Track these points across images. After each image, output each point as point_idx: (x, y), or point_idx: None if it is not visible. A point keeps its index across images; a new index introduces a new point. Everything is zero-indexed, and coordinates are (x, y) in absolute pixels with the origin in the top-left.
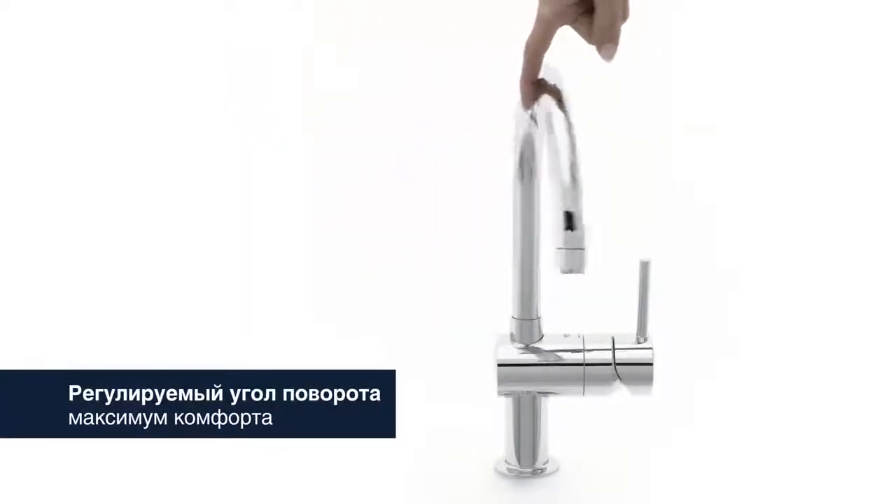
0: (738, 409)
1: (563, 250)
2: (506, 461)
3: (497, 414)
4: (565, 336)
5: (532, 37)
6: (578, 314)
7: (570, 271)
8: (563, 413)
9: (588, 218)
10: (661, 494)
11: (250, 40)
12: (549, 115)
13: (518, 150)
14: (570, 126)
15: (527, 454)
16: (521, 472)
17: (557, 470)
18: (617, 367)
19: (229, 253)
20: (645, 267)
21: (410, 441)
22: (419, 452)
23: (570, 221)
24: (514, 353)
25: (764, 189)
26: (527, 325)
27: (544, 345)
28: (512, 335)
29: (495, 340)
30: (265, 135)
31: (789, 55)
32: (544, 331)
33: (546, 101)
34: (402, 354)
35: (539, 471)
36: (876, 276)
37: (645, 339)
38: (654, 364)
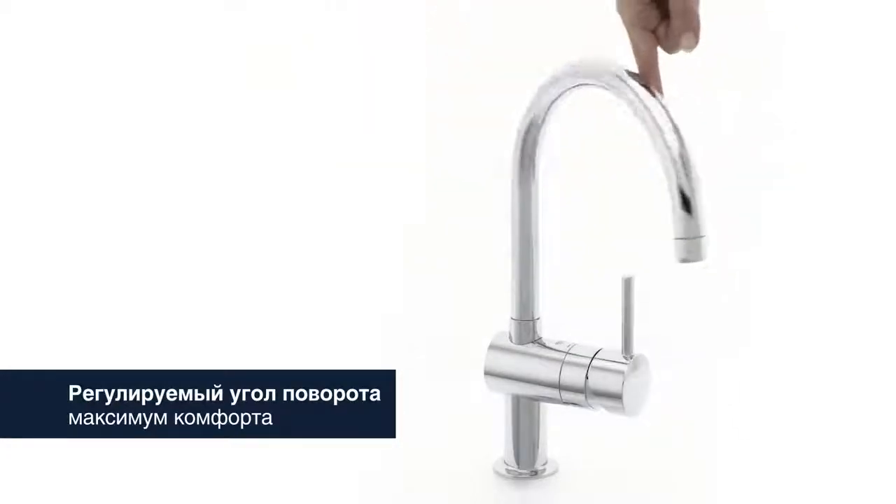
0: (737, 409)
1: (682, 240)
2: (505, 462)
3: (497, 414)
4: (557, 342)
5: (631, 48)
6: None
7: (687, 261)
8: (562, 414)
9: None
10: (660, 495)
11: (249, 41)
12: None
13: (520, 141)
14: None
15: (526, 455)
16: (519, 473)
17: (556, 471)
18: (587, 383)
19: (229, 253)
20: (628, 283)
21: (410, 441)
22: (419, 452)
23: (687, 206)
24: (495, 358)
25: (767, 190)
26: (524, 325)
27: (529, 349)
28: (510, 335)
29: (490, 341)
30: (265, 135)
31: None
32: (545, 334)
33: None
34: (402, 354)
35: (538, 472)
36: (875, 275)
37: (630, 357)
38: (624, 389)
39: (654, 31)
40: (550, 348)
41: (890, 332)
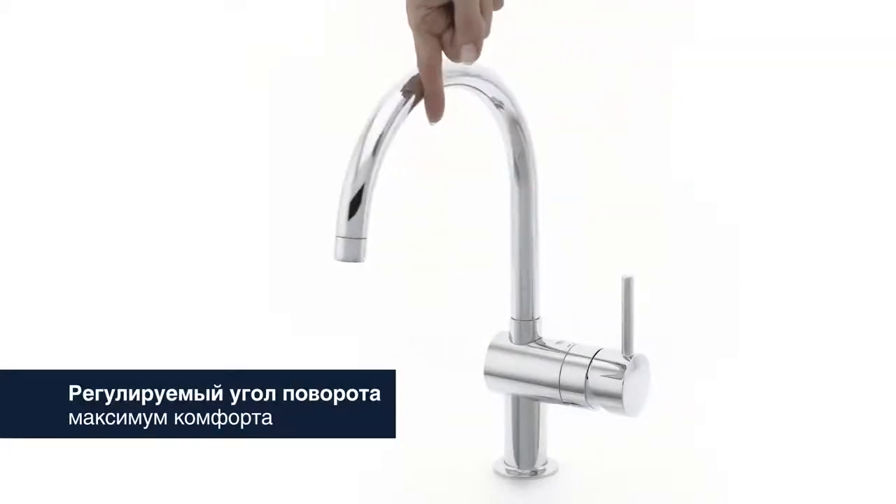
0: (737, 409)
1: (343, 239)
2: (505, 462)
3: (497, 414)
4: (557, 342)
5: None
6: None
7: (347, 260)
8: (562, 414)
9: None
10: (660, 495)
11: (249, 41)
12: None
13: (511, 150)
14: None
15: (526, 455)
16: (519, 473)
17: (556, 471)
18: (587, 383)
19: (229, 252)
20: (628, 283)
21: (410, 441)
22: (419, 452)
23: (353, 208)
24: (495, 358)
25: (765, 191)
26: (524, 325)
27: (529, 349)
28: (510, 335)
29: (490, 341)
30: (265, 135)
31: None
32: (545, 334)
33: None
34: (402, 354)
35: (538, 472)
36: (875, 275)
37: (630, 357)
38: (624, 389)
39: (440, 37)
40: (550, 348)
41: (889, 332)
